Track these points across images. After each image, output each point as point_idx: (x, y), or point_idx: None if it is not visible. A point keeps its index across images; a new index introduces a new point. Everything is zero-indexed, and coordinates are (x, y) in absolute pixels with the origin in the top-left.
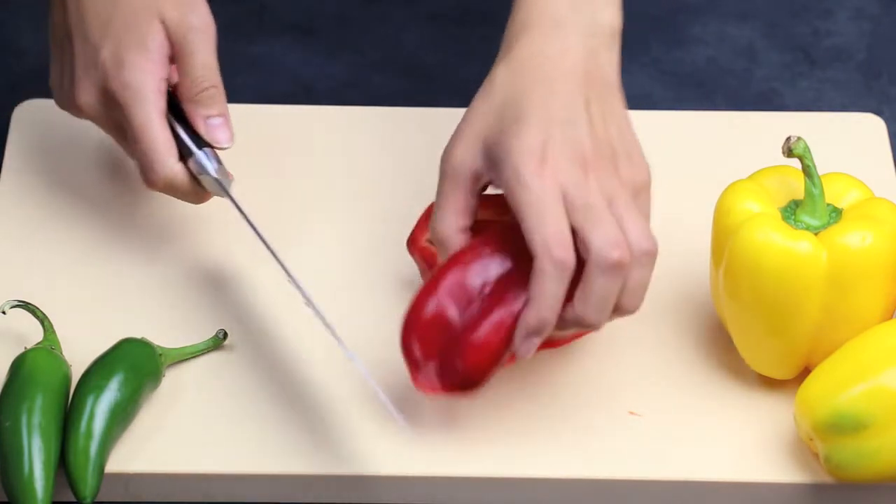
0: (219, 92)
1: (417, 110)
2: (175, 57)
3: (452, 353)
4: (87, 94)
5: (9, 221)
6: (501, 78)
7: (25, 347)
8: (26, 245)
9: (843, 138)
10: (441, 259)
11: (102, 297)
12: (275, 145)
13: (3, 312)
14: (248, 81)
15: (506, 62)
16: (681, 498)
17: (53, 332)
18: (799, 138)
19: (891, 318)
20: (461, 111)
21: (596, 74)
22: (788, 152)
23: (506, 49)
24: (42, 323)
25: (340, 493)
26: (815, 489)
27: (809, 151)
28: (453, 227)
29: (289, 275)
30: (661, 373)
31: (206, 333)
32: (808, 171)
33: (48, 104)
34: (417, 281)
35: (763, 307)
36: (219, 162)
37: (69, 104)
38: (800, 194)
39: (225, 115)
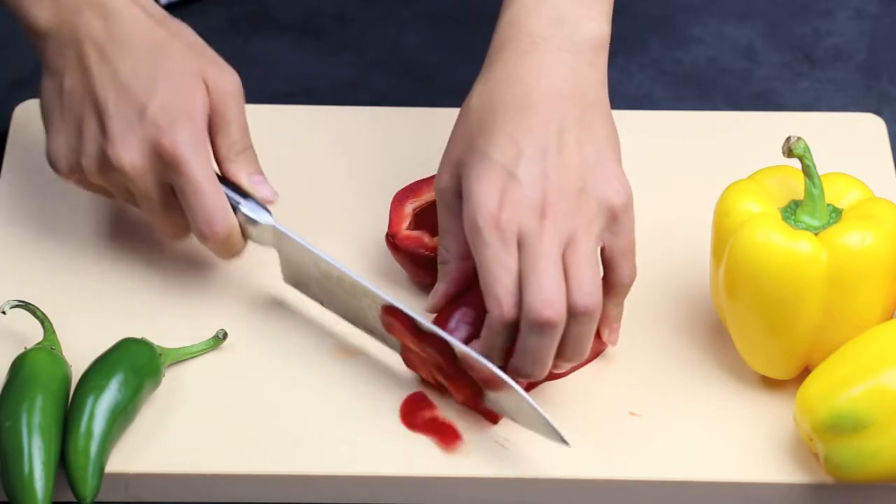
0: (254, 153)
1: (417, 110)
2: (212, 119)
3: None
4: (132, 152)
5: (9, 221)
6: (475, 101)
7: (25, 347)
8: (26, 245)
9: (843, 138)
10: (439, 281)
11: (102, 297)
12: (275, 145)
13: (3, 312)
14: (248, 81)
15: (482, 83)
16: (681, 498)
17: (53, 332)
18: (799, 138)
19: (891, 318)
20: (460, 110)
21: (573, 95)
22: (788, 152)
23: (484, 68)
24: (42, 323)
25: (340, 493)
26: (815, 489)
27: (809, 151)
28: (452, 253)
29: (392, 302)
30: (661, 373)
31: (206, 333)
32: (808, 171)
33: None
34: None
35: (763, 307)
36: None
37: (99, 166)
38: (800, 194)
39: (262, 174)
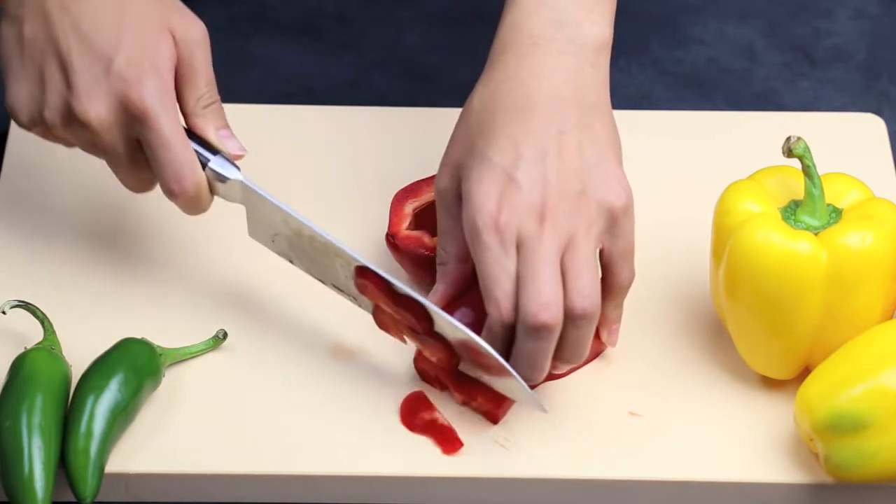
0: (221, 106)
1: (417, 110)
2: (179, 70)
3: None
4: (98, 106)
5: (9, 221)
6: (476, 103)
7: (25, 347)
8: (26, 245)
9: (843, 138)
10: (437, 282)
11: (102, 297)
12: (275, 145)
13: (3, 312)
14: (248, 81)
15: (483, 85)
16: (681, 498)
17: (53, 332)
18: (799, 138)
19: (891, 318)
20: (461, 111)
21: (574, 97)
22: (788, 152)
23: (485, 70)
24: (42, 323)
25: (340, 493)
26: (815, 489)
27: (809, 151)
28: (451, 255)
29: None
30: (661, 373)
31: (206, 333)
32: (808, 171)
33: None
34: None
35: (763, 307)
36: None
37: (63, 119)
38: (800, 194)
39: (230, 128)
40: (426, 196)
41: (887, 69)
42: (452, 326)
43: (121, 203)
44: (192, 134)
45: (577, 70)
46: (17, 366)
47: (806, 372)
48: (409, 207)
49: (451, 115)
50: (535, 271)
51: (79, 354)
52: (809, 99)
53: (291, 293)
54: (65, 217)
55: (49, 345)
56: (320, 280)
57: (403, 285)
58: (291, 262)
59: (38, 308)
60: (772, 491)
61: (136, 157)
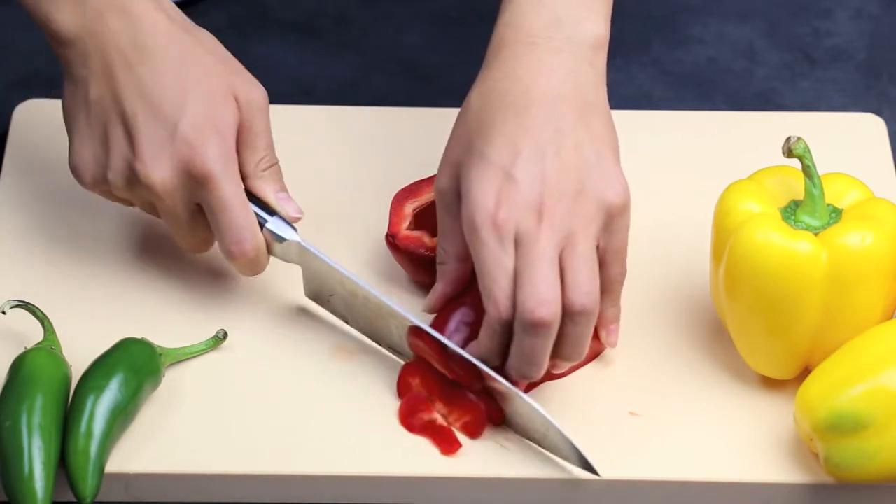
0: (279, 169)
1: (417, 110)
2: (240, 134)
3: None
4: (162, 170)
5: (9, 221)
6: (474, 102)
7: (25, 347)
8: (26, 245)
9: (843, 138)
10: (437, 282)
11: (102, 297)
12: (275, 145)
13: (3, 312)
14: None
15: (480, 84)
16: (681, 498)
17: (53, 332)
18: (799, 138)
19: (891, 318)
20: (459, 111)
21: (572, 96)
22: (788, 152)
23: (483, 69)
24: (42, 323)
25: (340, 493)
26: (815, 489)
27: (809, 151)
28: (450, 255)
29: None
30: (661, 373)
31: (206, 333)
32: (808, 171)
33: (48, 104)
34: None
35: (763, 307)
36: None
37: (127, 181)
38: (800, 194)
39: (287, 191)
40: (426, 196)
41: (887, 69)
42: (502, 384)
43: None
44: (250, 195)
45: (574, 69)
46: (17, 366)
47: (806, 372)
48: (409, 207)
49: (451, 115)
50: (533, 268)
51: (79, 354)
52: (809, 99)
53: (292, 293)
54: (65, 217)
55: (49, 345)
56: (376, 341)
57: (456, 347)
58: (347, 322)
59: (38, 308)
60: (772, 491)
61: (196, 219)
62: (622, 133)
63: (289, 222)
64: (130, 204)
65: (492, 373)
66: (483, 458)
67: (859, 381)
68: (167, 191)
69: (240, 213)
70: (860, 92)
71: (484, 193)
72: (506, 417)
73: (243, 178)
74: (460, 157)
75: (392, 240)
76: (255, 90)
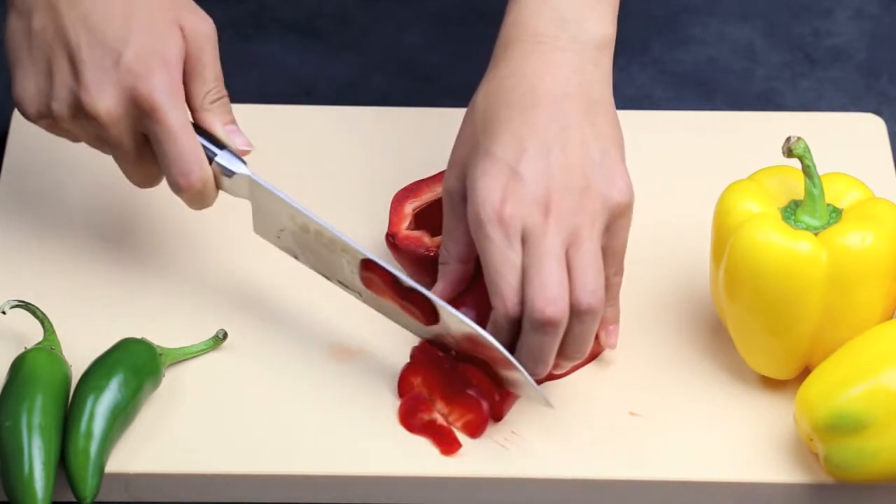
0: (228, 101)
1: (417, 110)
2: (187, 65)
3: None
4: (107, 99)
5: (9, 221)
6: (481, 101)
7: (25, 347)
8: (26, 245)
9: (843, 138)
10: (438, 281)
11: (102, 297)
12: (275, 145)
13: (3, 312)
14: (248, 81)
15: (487, 83)
16: (681, 498)
17: (53, 332)
18: (799, 138)
19: (891, 318)
20: (461, 111)
21: (577, 94)
22: (788, 152)
23: (489, 68)
24: (42, 323)
25: (340, 493)
26: (815, 489)
27: (809, 151)
28: (452, 255)
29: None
30: (661, 373)
31: (206, 333)
32: (808, 171)
33: None
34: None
35: (763, 307)
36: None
37: (71, 111)
38: (800, 194)
39: (236, 123)
40: (426, 196)
41: (887, 69)
42: (457, 320)
43: (121, 203)
44: (198, 128)
45: (579, 67)
46: (17, 366)
47: (806, 372)
48: (409, 207)
49: (451, 114)
50: (541, 265)
51: (79, 354)
52: (809, 99)
53: (292, 293)
54: (65, 217)
55: (49, 345)
56: (326, 276)
57: (409, 279)
58: (297, 258)
59: (38, 308)
60: (772, 491)
61: (142, 151)
62: (623, 133)
63: (238, 156)
64: (76, 139)
65: (446, 305)
66: (483, 458)
67: (859, 381)
68: (112, 120)
69: (187, 144)
70: (860, 92)
71: (490, 190)
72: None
73: (192, 111)
74: (467, 155)
75: (392, 240)
76: (202, 22)
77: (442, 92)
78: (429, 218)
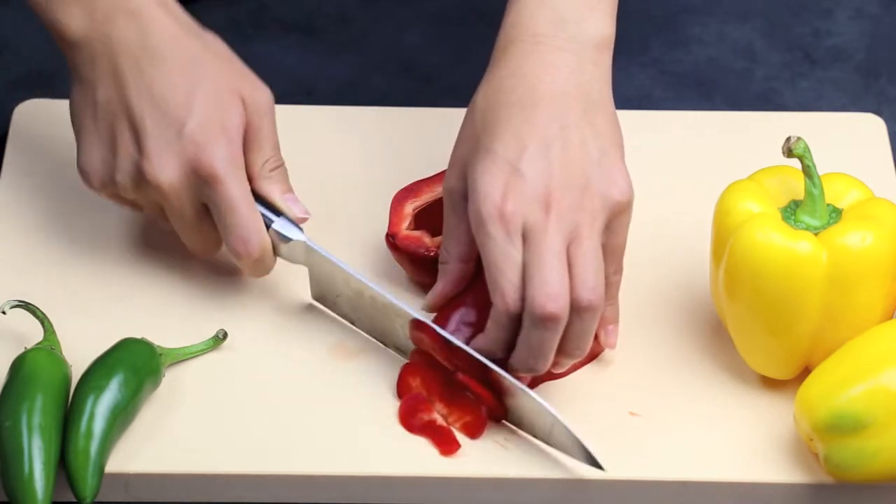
0: (285, 170)
1: (417, 110)
2: (246, 135)
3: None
4: (170, 169)
5: (9, 221)
6: (480, 101)
7: (25, 347)
8: (26, 245)
9: (843, 138)
10: (438, 281)
11: (102, 297)
12: None
13: (3, 312)
14: None
15: (486, 83)
16: (681, 498)
17: (53, 332)
18: (799, 138)
19: (891, 318)
20: (461, 111)
21: (577, 93)
22: (788, 152)
23: (489, 69)
24: (42, 323)
25: (340, 493)
26: (815, 489)
27: (809, 151)
28: (453, 255)
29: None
30: (661, 373)
31: (206, 333)
32: (808, 171)
33: (48, 104)
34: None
35: (763, 307)
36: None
37: (134, 182)
38: (800, 194)
39: (293, 192)
40: (426, 196)
41: (887, 69)
42: (507, 380)
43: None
44: (256, 196)
45: (579, 67)
46: (17, 366)
47: (806, 372)
48: (409, 207)
49: (451, 114)
50: (542, 262)
51: (79, 354)
52: (809, 99)
53: (292, 293)
54: (65, 217)
55: (49, 345)
56: (382, 342)
57: (459, 341)
58: (353, 324)
59: (38, 308)
60: (772, 491)
61: (202, 220)
62: (622, 132)
63: (295, 223)
64: (139, 208)
65: (495, 367)
66: (483, 458)
67: (859, 381)
68: (174, 190)
69: (246, 213)
70: (860, 92)
71: (491, 187)
72: (508, 413)
73: (250, 179)
74: (468, 155)
75: (392, 240)
76: (261, 92)
77: (442, 92)
78: (429, 218)
